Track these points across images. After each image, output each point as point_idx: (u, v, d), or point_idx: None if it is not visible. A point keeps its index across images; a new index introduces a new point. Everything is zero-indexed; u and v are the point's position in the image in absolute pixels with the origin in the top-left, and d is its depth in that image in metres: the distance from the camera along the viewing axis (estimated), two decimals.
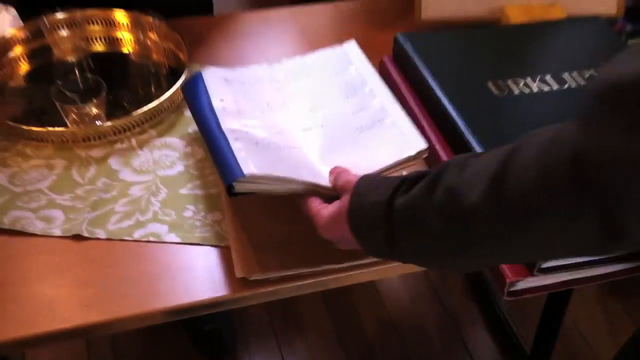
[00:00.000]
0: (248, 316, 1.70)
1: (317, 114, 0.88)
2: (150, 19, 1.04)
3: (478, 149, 0.81)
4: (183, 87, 0.91)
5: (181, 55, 1.01)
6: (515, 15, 1.09)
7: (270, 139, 0.81)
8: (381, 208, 0.61)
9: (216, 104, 0.83)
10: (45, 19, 1.03)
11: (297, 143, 0.82)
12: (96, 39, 1.06)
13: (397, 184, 0.61)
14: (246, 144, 0.76)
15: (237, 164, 0.71)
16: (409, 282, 1.82)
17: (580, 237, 0.51)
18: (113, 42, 1.06)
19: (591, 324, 1.73)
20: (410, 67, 0.97)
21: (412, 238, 0.59)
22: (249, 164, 0.71)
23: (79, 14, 1.05)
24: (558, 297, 1.54)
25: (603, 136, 0.46)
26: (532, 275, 0.73)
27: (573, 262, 0.75)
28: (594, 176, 0.47)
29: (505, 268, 0.74)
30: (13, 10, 1.07)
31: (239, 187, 0.70)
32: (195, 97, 0.87)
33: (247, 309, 1.70)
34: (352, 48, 0.98)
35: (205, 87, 0.87)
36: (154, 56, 1.03)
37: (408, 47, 0.98)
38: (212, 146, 0.77)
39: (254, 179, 0.70)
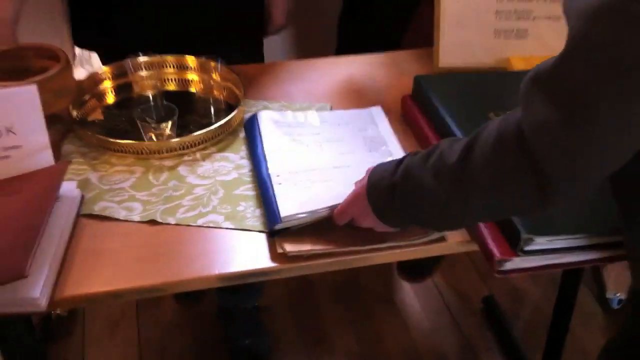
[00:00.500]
0: (282, 335, 1.87)
1: (346, 157, 1.10)
2: (213, 63, 1.27)
3: None
4: (244, 124, 1.16)
5: (237, 92, 1.24)
6: (519, 64, 1.29)
7: (306, 176, 1.02)
8: (389, 174, 0.81)
9: (267, 147, 1.09)
10: (129, 61, 1.26)
11: (329, 177, 1.04)
12: (170, 79, 1.29)
13: (401, 158, 0.82)
14: (286, 186, 1.00)
15: (278, 211, 0.95)
16: (431, 311, 1.98)
17: (524, 194, 0.69)
18: (184, 81, 1.29)
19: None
20: (427, 102, 1.17)
21: (410, 192, 0.79)
22: (286, 205, 0.95)
23: (156, 58, 1.28)
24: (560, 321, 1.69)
25: (531, 111, 0.65)
26: (516, 255, 0.91)
27: (552, 247, 0.92)
28: (530, 141, 0.66)
29: (494, 248, 0.91)
30: (95, 55, 1.31)
31: (278, 226, 0.94)
32: (251, 136, 1.14)
33: (284, 331, 1.88)
34: (378, 112, 1.21)
35: (259, 128, 1.13)
36: (216, 92, 1.26)
37: (425, 86, 1.19)
38: (261, 187, 1.03)
39: (288, 218, 0.93)
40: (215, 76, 1.27)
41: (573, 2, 0.63)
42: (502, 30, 1.30)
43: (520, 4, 1.29)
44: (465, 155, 0.72)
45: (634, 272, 0.88)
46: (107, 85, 1.26)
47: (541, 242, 0.90)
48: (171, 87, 1.29)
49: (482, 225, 0.94)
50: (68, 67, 1.13)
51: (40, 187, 0.97)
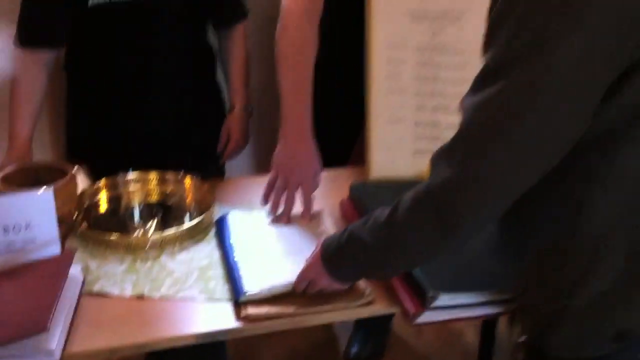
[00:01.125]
0: None
1: (299, 246, 1.38)
2: (189, 177, 1.57)
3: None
4: (216, 221, 1.44)
5: (209, 199, 1.52)
6: None
7: (266, 260, 1.31)
8: (337, 239, 1.11)
9: (233, 240, 1.38)
10: (121, 177, 1.56)
11: (284, 261, 1.32)
12: (153, 189, 1.58)
13: (346, 226, 1.11)
14: (248, 270, 1.28)
15: (242, 286, 1.22)
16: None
17: (435, 234, 0.98)
18: (164, 191, 1.58)
19: None
20: (361, 205, 1.47)
21: (354, 249, 1.08)
22: (249, 284, 1.23)
23: (141, 175, 1.58)
24: None
25: (437, 174, 0.95)
26: (426, 310, 1.18)
27: (456, 303, 1.19)
28: (436, 194, 0.95)
29: (409, 305, 1.18)
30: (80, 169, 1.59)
31: (242, 298, 1.21)
32: (221, 231, 1.44)
33: None
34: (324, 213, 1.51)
35: (228, 224, 1.42)
36: (191, 198, 1.55)
37: (359, 192, 1.50)
38: (229, 269, 1.31)
39: (250, 293, 1.21)
40: (191, 186, 1.56)
41: (466, 101, 0.94)
42: (419, 152, 1.63)
43: (434, 131, 1.63)
44: (392, 214, 1.02)
45: (523, 322, 1.14)
46: (103, 194, 1.54)
47: (445, 299, 1.17)
48: (154, 195, 1.58)
49: (399, 287, 1.22)
50: (73, 179, 1.41)
51: (54, 269, 1.22)
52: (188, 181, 1.57)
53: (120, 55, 1.71)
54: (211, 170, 1.75)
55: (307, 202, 1.47)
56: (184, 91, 1.79)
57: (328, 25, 1.60)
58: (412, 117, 1.63)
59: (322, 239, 1.19)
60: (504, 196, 0.95)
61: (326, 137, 1.66)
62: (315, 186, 1.49)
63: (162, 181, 1.59)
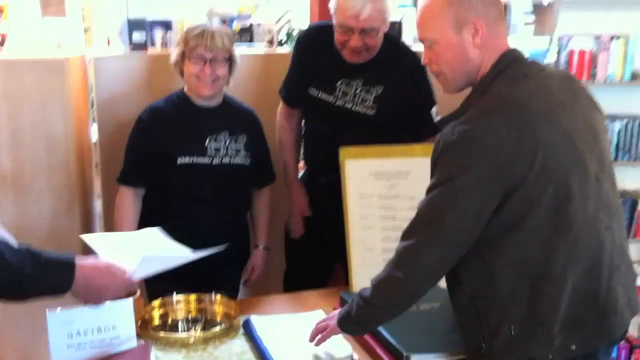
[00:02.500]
0: None
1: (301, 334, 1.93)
2: (213, 294, 2.13)
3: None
4: (242, 324, 1.99)
5: (232, 311, 2.07)
6: None
7: (285, 347, 1.86)
8: (347, 306, 1.70)
9: (259, 333, 1.93)
10: (169, 299, 2.11)
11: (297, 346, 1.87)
12: (193, 307, 2.13)
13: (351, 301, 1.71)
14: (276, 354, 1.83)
15: None
16: None
17: (396, 291, 1.61)
18: (204, 308, 2.13)
19: None
20: None
21: (358, 311, 1.67)
22: None
23: (184, 296, 2.13)
24: None
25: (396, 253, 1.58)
26: None
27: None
28: (398, 264, 1.57)
29: None
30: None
31: None
32: (249, 328, 1.98)
33: None
34: (319, 313, 2.06)
35: (252, 324, 1.96)
36: (222, 310, 2.10)
37: (346, 298, 2.06)
38: (260, 354, 1.86)
39: None
40: (218, 300, 2.12)
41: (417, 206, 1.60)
42: None
43: None
44: (375, 277, 1.65)
45: None
46: (157, 310, 2.08)
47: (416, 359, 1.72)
48: (193, 311, 2.12)
49: (381, 352, 1.76)
50: (141, 296, 1.96)
51: (139, 355, 1.75)
52: (219, 299, 2.12)
53: (187, 201, 2.41)
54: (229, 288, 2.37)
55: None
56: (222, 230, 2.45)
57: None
58: (380, 245, 2.24)
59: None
60: (437, 254, 1.58)
61: (311, 265, 2.28)
62: None
63: (199, 300, 2.14)
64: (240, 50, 2.93)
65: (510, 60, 1.63)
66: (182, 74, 2.48)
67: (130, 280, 1.77)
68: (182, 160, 2.40)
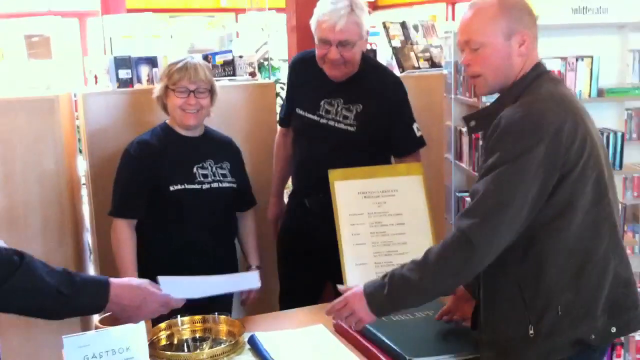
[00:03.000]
0: None
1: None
2: (217, 314, 2.22)
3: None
4: (247, 340, 2.08)
5: (237, 329, 2.17)
6: None
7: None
8: (379, 281, 1.78)
9: (266, 347, 2.01)
10: (175, 321, 2.19)
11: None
12: (197, 329, 2.22)
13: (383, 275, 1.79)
14: None
15: None
16: None
17: (461, 259, 1.67)
18: (209, 328, 2.22)
19: None
20: None
21: (396, 284, 1.74)
22: None
23: (188, 318, 2.22)
24: None
25: (458, 229, 1.68)
26: None
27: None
28: (466, 231, 1.66)
29: None
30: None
31: None
32: (255, 344, 2.06)
33: None
34: (321, 328, 2.17)
35: (258, 340, 2.05)
36: (226, 329, 2.19)
37: None
38: None
39: None
40: (222, 320, 2.21)
41: (475, 185, 1.69)
42: None
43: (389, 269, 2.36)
44: (425, 258, 1.71)
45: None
46: (163, 332, 2.17)
47: None
48: (198, 328, 2.21)
49: (381, 357, 1.87)
50: (149, 322, 2.05)
51: None
52: (222, 318, 2.22)
53: (182, 226, 2.54)
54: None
55: None
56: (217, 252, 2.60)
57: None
58: (372, 260, 2.37)
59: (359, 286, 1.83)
60: (506, 235, 1.66)
61: (303, 284, 2.40)
62: None
63: (204, 321, 2.23)
64: (224, 82, 3.08)
65: (544, 68, 1.82)
66: (164, 107, 2.63)
67: (166, 299, 1.85)
68: (174, 187, 2.54)
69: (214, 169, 2.62)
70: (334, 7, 2.52)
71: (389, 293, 1.76)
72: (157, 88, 2.62)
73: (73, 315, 1.68)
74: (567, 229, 1.69)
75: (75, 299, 1.66)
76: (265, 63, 3.91)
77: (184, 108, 2.54)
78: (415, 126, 2.72)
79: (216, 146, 2.68)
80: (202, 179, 2.58)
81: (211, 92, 2.60)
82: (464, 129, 3.17)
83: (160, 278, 1.94)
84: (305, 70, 2.75)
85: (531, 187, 1.63)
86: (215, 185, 2.60)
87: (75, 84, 3.45)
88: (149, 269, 2.49)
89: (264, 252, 2.85)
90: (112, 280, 1.75)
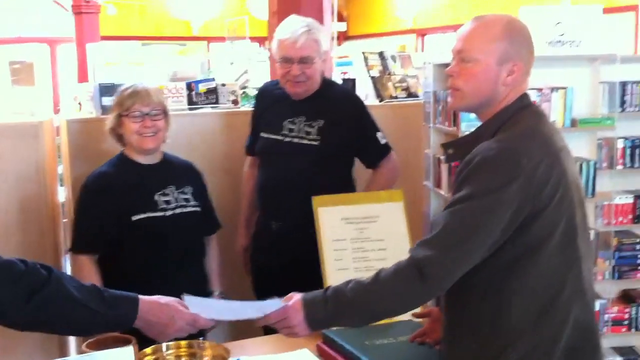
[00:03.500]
0: None
1: None
2: (201, 341, 2.23)
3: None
4: None
5: (224, 352, 2.18)
6: None
7: None
8: (320, 293, 1.76)
9: None
10: (160, 346, 2.20)
11: None
12: (183, 354, 2.23)
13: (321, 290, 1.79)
14: None
15: None
16: None
17: (413, 292, 1.66)
18: (194, 354, 2.23)
19: None
20: (333, 344, 2.17)
21: (336, 300, 1.71)
22: None
23: (174, 344, 2.23)
24: None
25: (416, 256, 1.65)
26: None
27: None
28: (422, 264, 1.62)
29: None
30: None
31: None
32: None
33: None
34: (305, 352, 2.20)
35: None
36: (209, 355, 2.20)
37: (332, 335, 2.20)
38: None
39: None
40: (209, 347, 2.23)
41: (440, 215, 1.65)
42: None
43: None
44: (375, 278, 1.67)
45: None
46: (149, 357, 2.17)
47: None
48: (184, 353, 2.22)
49: None
50: (135, 345, 2.06)
51: None
52: (207, 344, 2.23)
53: (149, 255, 2.52)
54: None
55: None
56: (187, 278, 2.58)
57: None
58: None
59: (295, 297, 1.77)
60: (458, 271, 1.63)
61: None
62: None
63: (189, 346, 2.24)
64: (207, 110, 3.13)
65: (529, 101, 1.80)
66: (118, 138, 2.62)
67: (194, 317, 1.86)
68: (137, 217, 2.52)
69: (175, 194, 2.61)
70: (293, 29, 2.70)
71: (328, 307, 1.74)
72: (109, 120, 2.60)
73: (102, 331, 1.68)
74: (533, 271, 1.65)
75: (104, 314, 1.67)
76: (246, 91, 3.97)
77: (140, 132, 2.53)
78: (379, 135, 2.85)
79: (176, 171, 2.68)
80: (165, 205, 2.58)
81: (165, 114, 2.59)
82: (443, 157, 3.26)
83: (186, 297, 1.94)
84: (268, 97, 2.90)
85: (495, 227, 1.60)
86: (178, 210, 2.59)
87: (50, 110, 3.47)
88: None
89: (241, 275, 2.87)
90: (141, 296, 1.76)
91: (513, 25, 1.76)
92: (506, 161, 1.62)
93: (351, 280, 1.75)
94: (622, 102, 3.23)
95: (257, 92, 3.08)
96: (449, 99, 1.86)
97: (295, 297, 1.82)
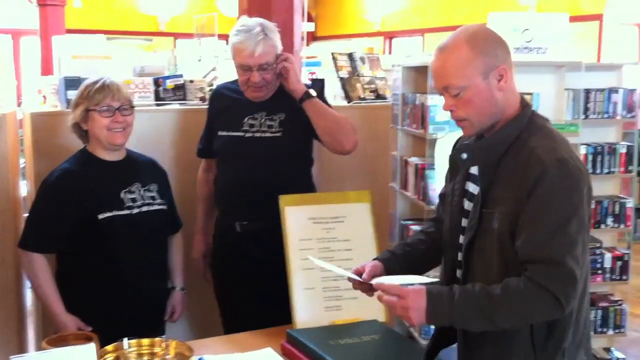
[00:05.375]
0: None
1: None
2: (172, 341, 2.21)
3: None
4: None
5: (186, 351, 2.17)
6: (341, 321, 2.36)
7: None
8: (447, 290, 1.74)
9: None
10: (121, 344, 2.18)
11: None
12: (144, 352, 2.20)
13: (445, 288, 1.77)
14: None
15: None
16: None
17: (548, 312, 1.70)
18: (155, 352, 2.21)
19: None
20: (297, 343, 2.17)
21: (465, 300, 1.70)
22: None
23: (136, 342, 2.20)
24: None
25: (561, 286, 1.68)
26: None
27: None
28: (552, 291, 1.66)
29: None
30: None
31: None
32: None
33: None
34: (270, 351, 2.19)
35: None
36: (174, 352, 2.18)
37: (296, 335, 2.20)
38: None
39: None
40: (173, 346, 2.21)
41: (531, 246, 1.69)
42: (327, 308, 2.39)
43: (337, 294, 2.40)
44: (505, 293, 1.67)
45: None
46: (110, 355, 2.14)
47: None
48: (146, 355, 2.20)
49: None
50: (97, 342, 2.03)
51: None
52: (171, 342, 2.21)
53: (114, 254, 2.50)
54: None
55: None
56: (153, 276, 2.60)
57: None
58: (320, 285, 2.41)
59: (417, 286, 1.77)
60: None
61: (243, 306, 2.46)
62: None
63: (151, 345, 2.21)
64: (175, 106, 3.10)
65: (525, 99, 1.87)
66: (82, 133, 2.56)
67: None
68: (103, 215, 2.47)
69: (141, 192, 2.57)
70: (248, 34, 2.63)
71: (454, 306, 1.73)
72: (75, 114, 2.53)
73: None
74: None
75: None
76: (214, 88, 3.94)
77: (110, 127, 2.47)
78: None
79: (141, 168, 2.64)
80: (131, 203, 2.53)
81: (132, 109, 2.55)
82: (410, 159, 3.28)
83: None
84: (225, 97, 2.86)
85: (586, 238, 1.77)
86: (145, 208, 2.56)
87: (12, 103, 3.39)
88: (79, 300, 2.50)
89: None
90: None
91: (475, 38, 1.77)
92: (574, 169, 1.71)
93: (475, 284, 1.76)
94: (586, 109, 3.30)
95: (211, 93, 3.02)
96: (463, 131, 1.90)
97: (417, 285, 1.80)
